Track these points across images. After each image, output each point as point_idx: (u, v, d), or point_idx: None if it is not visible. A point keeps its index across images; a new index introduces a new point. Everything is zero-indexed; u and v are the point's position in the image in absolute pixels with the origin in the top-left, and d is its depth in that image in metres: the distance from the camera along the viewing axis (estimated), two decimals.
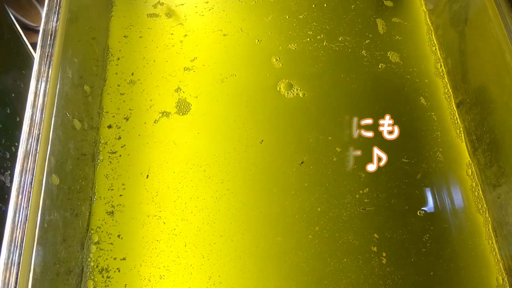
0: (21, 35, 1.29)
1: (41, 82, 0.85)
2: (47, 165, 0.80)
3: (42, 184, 0.78)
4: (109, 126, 1.09)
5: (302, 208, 1.00)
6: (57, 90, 0.87)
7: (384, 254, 0.96)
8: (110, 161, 1.05)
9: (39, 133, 0.81)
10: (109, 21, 1.23)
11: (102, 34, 1.19)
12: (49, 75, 0.86)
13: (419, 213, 1.01)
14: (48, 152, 0.81)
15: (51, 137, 0.83)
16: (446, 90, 1.14)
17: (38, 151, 0.79)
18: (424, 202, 1.02)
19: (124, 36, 1.21)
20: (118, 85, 1.14)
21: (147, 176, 0.97)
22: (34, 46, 1.43)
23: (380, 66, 1.17)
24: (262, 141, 1.06)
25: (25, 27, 1.81)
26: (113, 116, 1.10)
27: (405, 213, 1.01)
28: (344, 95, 1.14)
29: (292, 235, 0.98)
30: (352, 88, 1.14)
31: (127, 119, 1.10)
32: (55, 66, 0.87)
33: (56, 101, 0.85)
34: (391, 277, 0.94)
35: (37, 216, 0.75)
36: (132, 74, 1.15)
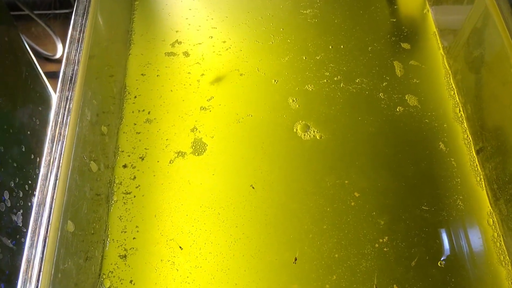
0: (38, 70, 1.30)
1: (59, 128, 0.85)
2: (63, 212, 0.79)
3: (58, 232, 0.76)
4: (125, 166, 1.08)
5: (320, 253, 0.98)
6: (76, 134, 0.86)
7: None
8: (124, 202, 1.03)
9: (56, 180, 0.80)
10: (127, 59, 1.24)
11: (120, 72, 1.20)
12: (68, 120, 0.86)
13: (440, 263, 0.98)
14: (65, 198, 0.80)
15: (68, 183, 0.82)
16: (466, 136, 1.13)
17: (55, 198, 0.78)
18: (445, 252, 0.99)
19: (142, 74, 1.22)
20: (135, 124, 1.14)
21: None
22: (48, 75, 1.44)
23: (398, 109, 1.16)
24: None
25: (38, 56, 1.84)
26: (129, 156, 1.09)
27: (425, 263, 0.98)
28: (362, 138, 1.12)
29: (308, 284, 0.95)
30: (370, 131, 1.13)
31: (143, 159, 1.09)
32: (74, 111, 0.86)
33: (74, 145, 0.84)
34: None
35: (52, 267, 0.73)
36: (149, 112, 1.15)
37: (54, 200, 0.77)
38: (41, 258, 0.72)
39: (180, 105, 1.17)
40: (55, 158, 0.81)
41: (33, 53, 1.30)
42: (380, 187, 1.06)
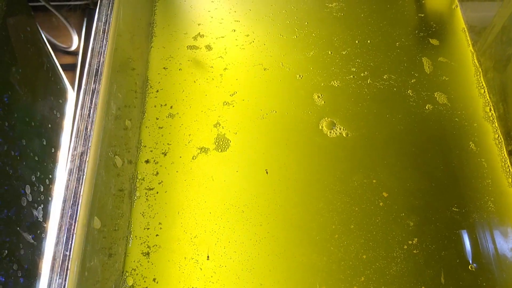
0: (55, 62, 1.28)
1: (85, 122, 0.83)
2: (90, 208, 0.77)
3: (85, 229, 0.74)
4: (147, 161, 1.05)
5: (347, 254, 0.95)
6: (102, 129, 0.84)
7: None
8: (147, 198, 1.01)
9: (83, 175, 0.77)
10: (149, 52, 1.21)
11: (142, 65, 1.17)
12: (95, 114, 0.83)
13: (471, 267, 0.95)
14: (92, 194, 0.78)
15: (95, 178, 0.79)
16: (497, 135, 1.09)
17: (81, 194, 0.76)
18: (476, 255, 0.96)
19: (164, 68, 1.19)
20: (157, 119, 1.11)
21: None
22: (63, 67, 1.42)
23: (427, 107, 1.13)
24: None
25: (53, 48, 1.81)
26: (151, 151, 1.07)
27: (456, 266, 0.95)
28: (390, 136, 1.09)
29: (336, 285, 0.93)
30: (398, 129, 1.10)
31: (165, 154, 1.07)
32: (101, 104, 0.84)
33: (101, 140, 0.82)
34: None
35: (79, 265, 0.71)
36: (171, 107, 1.13)
37: (81, 196, 0.75)
38: (68, 256, 0.70)
39: (202, 99, 1.14)
40: (82, 152, 0.79)
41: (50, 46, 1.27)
42: (409, 187, 1.03)
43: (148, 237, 0.97)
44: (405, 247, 0.96)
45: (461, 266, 0.95)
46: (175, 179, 1.04)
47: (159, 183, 1.03)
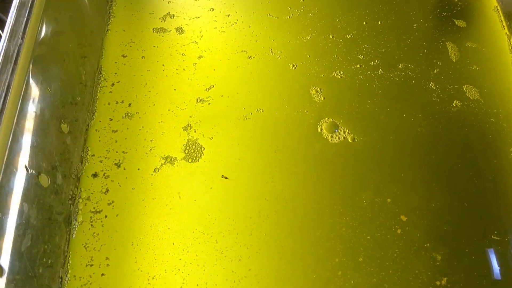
0: None
1: None
2: None
3: None
4: (95, 175, 0.82)
5: None
6: (14, 134, 0.60)
7: None
8: (91, 224, 0.77)
9: None
10: (105, 36, 0.97)
11: (94, 52, 0.93)
12: (3, 111, 0.60)
13: None
14: None
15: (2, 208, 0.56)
16: None
17: None
18: None
19: (122, 56, 0.95)
20: (110, 119, 0.87)
21: None
22: None
23: (454, 104, 0.89)
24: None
25: None
26: (101, 161, 0.83)
27: None
28: (408, 141, 0.85)
29: None
30: (418, 133, 0.86)
31: (119, 166, 0.83)
32: (12, 102, 0.60)
33: (7, 151, 0.58)
34: None
35: None
36: (130, 105, 0.89)
37: None
38: None
39: (170, 95, 0.90)
40: None
41: None
42: (435, 208, 0.79)
43: (90, 277, 0.73)
44: None
45: None
46: (131, 199, 0.80)
47: (109, 204, 0.79)
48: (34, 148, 0.65)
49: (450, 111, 0.89)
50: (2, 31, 0.67)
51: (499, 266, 0.75)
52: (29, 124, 0.64)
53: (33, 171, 0.64)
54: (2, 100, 0.60)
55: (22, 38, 0.66)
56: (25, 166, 0.62)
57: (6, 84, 0.61)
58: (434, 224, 0.78)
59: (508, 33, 0.99)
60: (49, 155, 0.70)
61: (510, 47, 0.97)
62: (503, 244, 0.76)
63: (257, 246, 0.76)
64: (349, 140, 0.86)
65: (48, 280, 0.68)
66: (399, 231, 0.77)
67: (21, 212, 0.61)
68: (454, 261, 0.75)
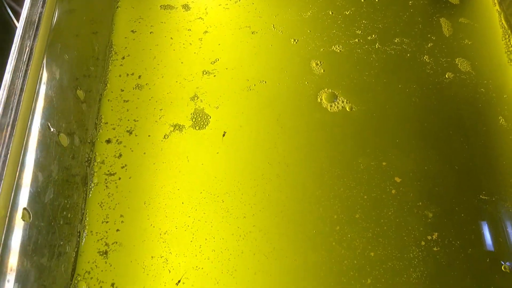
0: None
1: (17, 83, 0.64)
2: (16, 196, 0.59)
3: (4, 223, 0.56)
4: (108, 141, 0.87)
5: (351, 250, 0.77)
6: (37, 94, 0.66)
7: None
8: (106, 185, 0.83)
9: (7, 153, 0.59)
10: (115, 12, 1.02)
11: (106, 28, 0.98)
12: (27, 74, 0.65)
13: (504, 267, 0.77)
14: (17, 178, 0.60)
15: (27, 157, 0.61)
16: None
17: (2, 177, 0.57)
18: (510, 253, 0.78)
19: (132, 31, 1.00)
20: (122, 90, 0.93)
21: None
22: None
23: (447, 76, 0.94)
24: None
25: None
26: (114, 129, 0.89)
27: (486, 268, 0.77)
28: (403, 110, 0.91)
29: None
30: (413, 102, 0.91)
31: (131, 133, 0.88)
32: (35, 62, 0.65)
33: (31, 111, 0.64)
34: None
35: None
36: (139, 77, 0.94)
37: (1, 181, 0.57)
38: None
39: (178, 68, 0.95)
40: (7, 124, 0.61)
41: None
42: (427, 171, 0.84)
43: (106, 232, 0.79)
44: (423, 243, 0.78)
45: (492, 267, 0.77)
46: (142, 162, 0.85)
47: (122, 167, 0.85)
48: (55, 109, 0.70)
49: (443, 82, 0.94)
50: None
51: (486, 222, 0.80)
52: (50, 86, 0.69)
53: (54, 130, 0.69)
54: (26, 62, 0.65)
55: (43, 6, 0.71)
56: (48, 125, 0.67)
57: (29, 48, 0.67)
58: (427, 185, 0.83)
59: (499, 9, 1.04)
60: (67, 118, 0.75)
61: (501, 23, 1.02)
62: (491, 203, 0.82)
63: (260, 205, 0.82)
64: (347, 109, 0.91)
65: (68, 233, 0.74)
66: (393, 191, 0.83)
67: (44, 167, 0.66)
68: (444, 218, 0.80)
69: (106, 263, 0.77)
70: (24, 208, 0.60)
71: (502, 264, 0.77)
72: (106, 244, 0.78)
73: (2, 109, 0.61)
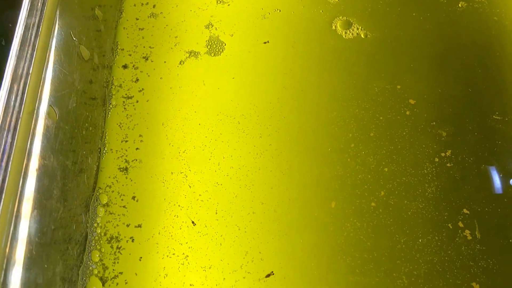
0: None
1: None
2: (43, 92, 0.60)
3: (33, 114, 0.58)
4: (125, 66, 0.88)
5: (365, 166, 0.79)
6: (59, 4, 0.66)
7: (474, 233, 0.74)
8: (124, 107, 0.84)
9: (34, 51, 0.60)
10: None
11: None
12: None
13: None
14: (44, 76, 0.61)
15: (51, 58, 0.62)
16: None
17: (30, 71, 0.59)
18: None
19: None
20: (137, 19, 0.93)
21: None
22: None
23: (460, 5, 0.94)
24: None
25: None
26: (130, 55, 0.89)
27: (499, 182, 0.78)
28: (416, 37, 0.91)
29: (350, 200, 0.76)
30: (427, 29, 0.92)
31: (147, 59, 0.89)
32: None
33: (57, 16, 0.64)
34: (484, 258, 0.72)
35: (24, 154, 0.55)
36: (154, 6, 0.95)
37: (29, 74, 0.58)
38: (11, 144, 0.54)
39: None
40: (33, 23, 0.62)
41: None
42: (441, 93, 0.85)
43: (126, 150, 0.81)
44: (437, 159, 0.79)
45: (505, 182, 0.78)
46: (159, 87, 0.86)
47: (140, 91, 0.86)
48: (77, 19, 0.71)
49: (456, 11, 0.94)
50: None
51: (499, 141, 0.81)
52: (72, 2, 0.70)
53: (76, 40, 0.70)
54: None
55: None
56: (71, 33, 0.68)
57: None
58: (440, 106, 0.84)
59: None
60: (87, 32, 0.75)
61: None
62: (503, 123, 0.83)
63: (276, 126, 0.83)
64: (362, 36, 0.91)
65: (89, 145, 0.75)
66: (407, 112, 0.84)
67: (67, 72, 0.67)
68: (458, 137, 0.82)
69: (126, 178, 0.78)
70: (50, 106, 0.61)
71: None
72: (126, 161, 0.80)
73: (28, 10, 0.62)
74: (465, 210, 0.75)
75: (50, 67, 0.63)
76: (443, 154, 0.80)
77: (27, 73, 0.59)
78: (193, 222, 0.75)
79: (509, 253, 0.73)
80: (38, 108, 0.59)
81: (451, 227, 0.74)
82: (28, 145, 0.56)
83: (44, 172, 0.59)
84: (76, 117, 0.70)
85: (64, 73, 0.66)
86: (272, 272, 0.72)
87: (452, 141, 0.81)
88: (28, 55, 0.60)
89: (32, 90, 0.59)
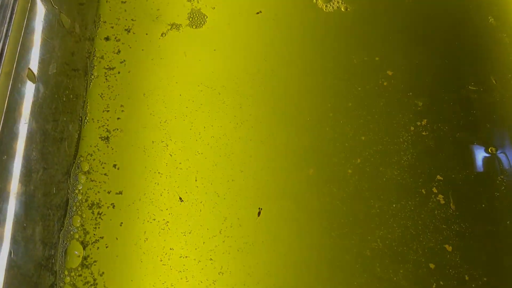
0: None
1: None
2: (22, 56, 0.61)
3: (11, 74, 0.58)
4: (107, 38, 0.89)
5: (343, 134, 0.80)
6: None
7: (448, 198, 0.76)
8: (106, 78, 0.85)
9: (13, 14, 0.61)
10: None
11: None
12: None
13: (491, 150, 0.80)
14: (23, 40, 0.62)
15: (31, 23, 0.63)
16: None
17: (9, 34, 0.59)
18: (496, 138, 0.81)
19: None
20: None
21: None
22: None
23: None
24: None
25: None
26: (112, 27, 0.90)
27: (473, 149, 0.80)
28: (395, 8, 0.92)
29: (327, 167, 0.78)
30: (405, 2, 0.93)
31: (129, 31, 0.90)
32: None
33: None
34: (457, 222, 0.74)
35: (1, 114, 0.56)
36: None
37: (7, 38, 0.59)
38: None
39: None
40: None
41: None
42: (418, 64, 0.87)
43: (107, 120, 0.82)
44: (412, 128, 0.81)
45: (479, 149, 0.80)
46: (140, 58, 0.87)
47: (121, 62, 0.87)
48: None
49: None
50: None
51: (474, 110, 0.83)
52: None
53: (56, 7, 0.71)
54: None
55: None
56: (51, 0, 0.69)
57: None
58: (417, 77, 0.86)
59: None
60: (67, 4, 0.76)
61: None
62: (478, 93, 0.85)
63: (256, 97, 0.84)
64: (342, 9, 0.93)
65: (72, 116, 0.76)
66: (385, 83, 0.85)
67: (46, 40, 0.68)
68: (433, 106, 0.83)
69: (107, 147, 0.80)
70: (29, 68, 0.62)
71: (489, 147, 0.81)
72: (108, 131, 0.81)
73: None
74: (439, 177, 0.77)
75: (31, 32, 0.63)
76: (418, 123, 0.82)
77: (6, 36, 0.60)
78: (180, 199, 0.76)
79: (481, 217, 0.76)
80: (17, 70, 0.60)
81: (424, 193, 0.76)
82: (6, 105, 0.57)
83: (24, 133, 0.60)
84: (56, 83, 0.70)
85: (44, 38, 0.67)
86: (260, 208, 0.74)
87: (428, 111, 0.83)
88: (7, 19, 0.61)
89: (11, 52, 0.59)
